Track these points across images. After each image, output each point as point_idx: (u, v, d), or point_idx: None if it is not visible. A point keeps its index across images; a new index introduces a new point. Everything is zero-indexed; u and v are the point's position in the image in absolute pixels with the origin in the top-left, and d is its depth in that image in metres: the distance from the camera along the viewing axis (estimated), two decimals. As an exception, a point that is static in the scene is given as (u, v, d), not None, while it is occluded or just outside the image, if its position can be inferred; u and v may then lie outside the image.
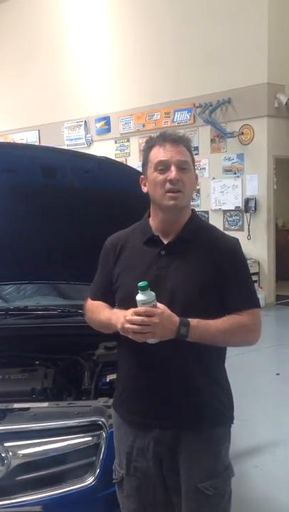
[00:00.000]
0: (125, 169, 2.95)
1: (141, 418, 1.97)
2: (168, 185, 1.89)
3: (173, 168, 1.89)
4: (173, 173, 1.89)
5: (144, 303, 1.78)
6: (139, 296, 1.79)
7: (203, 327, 1.85)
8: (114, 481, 2.07)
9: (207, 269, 1.92)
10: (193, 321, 1.84)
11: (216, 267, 1.93)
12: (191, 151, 1.99)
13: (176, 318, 1.82)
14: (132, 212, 2.13)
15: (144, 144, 2.03)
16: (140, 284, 1.78)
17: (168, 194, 1.90)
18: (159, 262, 1.95)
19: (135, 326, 1.78)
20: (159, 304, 1.80)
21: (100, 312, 2.04)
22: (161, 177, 1.91)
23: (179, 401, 1.93)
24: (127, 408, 2.02)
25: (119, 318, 1.85)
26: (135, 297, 1.82)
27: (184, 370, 1.92)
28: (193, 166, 1.99)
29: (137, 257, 2.00)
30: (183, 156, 1.92)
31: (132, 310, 1.80)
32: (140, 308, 1.78)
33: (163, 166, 1.90)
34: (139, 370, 1.96)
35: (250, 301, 1.99)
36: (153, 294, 1.79)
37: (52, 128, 12.43)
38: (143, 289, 1.78)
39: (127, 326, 1.79)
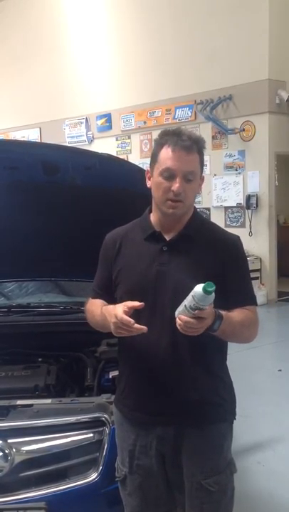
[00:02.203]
0: (127, 166, 2.94)
1: (143, 415, 1.98)
2: (170, 195, 1.88)
3: (178, 180, 1.87)
4: (177, 185, 1.87)
5: (202, 305, 1.67)
6: (201, 298, 1.66)
7: (229, 320, 1.84)
8: (116, 479, 2.08)
9: (209, 266, 1.92)
10: (224, 314, 1.81)
11: (218, 263, 1.94)
12: (203, 154, 1.95)
13: (213, 313, 1.77)
14: (133, 209, 2.12)
15: (157, 136, 1.98)
16: (209, 286, 1.64)
17: (168, 202, 1.89)
18: (161, 258, 1.94)
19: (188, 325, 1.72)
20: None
21: (95, 311, 2.03)
22: (165, 184, 1.89)
23: (181, 397, 1.93)
24: (128, 405, 2.03)
25: (111, 316, 1.82)
26: (137, 293, 1.81)
27: (186, 367, 1.92)
28: (202, 169, 1.97)
29: (138, 253, 1.99)
30: (191, 166, 1.89)
31: (120, 311, 1.76)
32: (202, 313, 1.69)
33: (169, 174, 1.88)
34: (141, 367, 1.96)
35: (251, 298, 2.02)
36: (212, 298, 1.67)
37: (53, 125, 12.43)
38: (209, 292, 1.65)
39: (179, 322, 1.72)
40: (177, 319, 1.74)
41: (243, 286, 2.01)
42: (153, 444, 1.96)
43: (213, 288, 1.64)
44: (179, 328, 1.74)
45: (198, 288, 1.66)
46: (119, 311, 1.78)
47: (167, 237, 1.97)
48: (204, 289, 1.64)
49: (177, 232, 1.97)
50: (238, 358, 5.29)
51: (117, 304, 1.97)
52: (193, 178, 1.91)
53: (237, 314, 1.92)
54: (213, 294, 1.66)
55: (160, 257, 1.95)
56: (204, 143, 1.99)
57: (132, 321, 1.76)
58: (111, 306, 1.88)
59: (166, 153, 1.89)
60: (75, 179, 2.74)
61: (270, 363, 6.38)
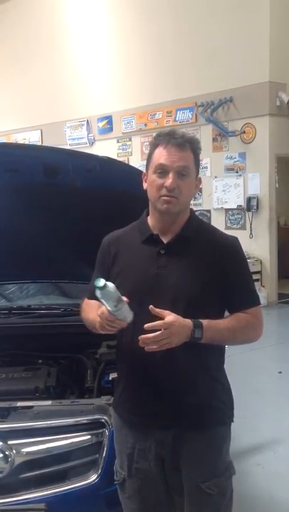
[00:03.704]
0: (127, 169, 2.96)
1: (141, 419, 1.98)
2: (164, 191, 1.89)
3: (171, 175, 1.87)
4: (170, 180, 1.87)
5: (108, 300, 1.73)
6: (101, 296, 1.73)
7: (214, 328, 1.86)
8: (115, 483, 2.08)
9: (207, 268, 1.92)
10: (205, 323, 1.84)
11: (216, 265, 1.93)
12: (197, 154, 1.96)
13: (189, 322, 1.82)
14: (133, 211, 2.13)
15: (152, 139, 2.00)
16: (98, 283, 1.70)
17: (162, 198, 1.90)
18: (159, 262, 1.94)
19: (149, 341, 1.77)
20: (168, 314, 1.78)
21: (89, 311, 2.04)
22: (159, 181, 1.90)
23: (180, 401, 1.93)
24: (127, 409, 2.03)
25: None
26: (135, 296, 1.82)
27: (184, 370, 1.92)
28: (197, 169, 1.97)
29: (136, 256, 1.99)
30: (185, 161, 1.89)
31: (146, 325, 1.77)
32: (149, 325, 1.75)
33: (162, 170, 1.89)
34: (139, 371, 1.96)
35: (252, 299, 2.01)
36: (113, 286, 1.72)
37: (54, 127, 12.44)
38: (101, 287, 1.70)
39: (141, 344, 1.77)
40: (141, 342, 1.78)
41: (243, 288, 2.00)
42: (152, 447, 1.96)
43: (102, 281, 1.69)
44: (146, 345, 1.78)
45: (97, 292, 1.72)
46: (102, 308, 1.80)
47: (164, 240, 1.97)
48: (96, 287, 1.70)
49: (174, 234, 1.97)
50: (238, 360, 5.33)
51: None
52: (187, 174, 1.90)
53: (228, 321, 1.93)
54: (111, 286, 1.71)
55: (158, 260, 1.95)
56: (199, 144, 1.99)
57: (151, 335, 1.77)
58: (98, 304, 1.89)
59: (159, 152, 1.91)
60: (75, 181, 2.74)
61: (270, 364, 6.38)
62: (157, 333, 1.76)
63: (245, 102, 9.03)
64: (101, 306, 2.02)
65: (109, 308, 1.76)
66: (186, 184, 1.91)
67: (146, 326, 1.77)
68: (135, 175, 2.50)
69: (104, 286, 1.70)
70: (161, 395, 1.93)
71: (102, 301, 1.75)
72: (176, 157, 1.88)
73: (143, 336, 1.77)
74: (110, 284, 1.72)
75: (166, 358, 1.86)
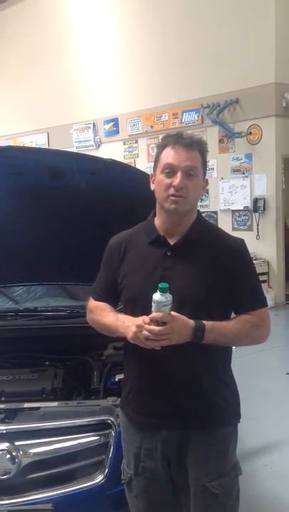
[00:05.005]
0: (131, 171, 2.97)
1: (147, 418, 1.99)
2: (171, 190, 1.90)
3: (179, 175, 1.89)
4: (178, 179, 1.89)
5: (164, 305, 1.77)
6: (158, 298, 1.77)
7: (218, 330, 1.87)
8: (122, 482, 2.09)
9: (214, 270, 1.93)
10: (208, 325, 1.85)
11: (223, 267, 1.94)
12: (205, 156, 1.98)
13: (191, 323, 1.83)
14: (138, 213, 2.14)
15: (160, 141, 2.02)
16: (161, 285, 1.76)
17: (170, 198, 1.91)
18: (165, 263, 1.95)
19: (151, 333, 1.79)
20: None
21: (104, 315, 2.05)
22: (166, 180, 1.91)
23: (186, 401, 1.94)
24: (133, 408, 2.04)
25: (129, 327, 1.86)
26: (141, 298, 1.83)
27: (190, 370, 1.93)
28: (204, 170, 1.99)
29: (143, 257, 2.00)
30: (192, 161, 1.91)
31: (147, 317, 1.80)
32: (156, 314, 1.78)
33: (170, 170, 1.91)
34: (146, 371, 1.97)
35: (258, 301, 2.01)
36: (171, 296, 1.78)
37: (61, 130, 12.48)
38: (163, 290, 1.76)
39: (144, 332, 1.79)
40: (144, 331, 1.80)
41: (250, 290, 2.01)
42: (158, 446, 1.97)
43: (167, 286, 1.76)
44: (143, 336, 1.80)
45: (156, 294, 1.78)
46: (139, 320, 1.82)
47: (171, 242, 1.98)
48: (160, 289, 1.76)
49: (181, 236, 1.98)
50: (246, 361, 5.33)
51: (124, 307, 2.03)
52: (194, 174, 1.92)
53: (233, 324, 1.93)
54: (170, 295, 1.77)
55: (164, 261, 1.96)
56: (206, 145, 2.01)
57: (156, 328, 1.79)
58: (128, 318, 1.92)
59: (167, 152, 1.93)
60: (80, 184, 2.76)
61: (278, 365, 6.37)
62: (160, 327, 1.77)
63: (251, 104, 9.02)
64: (113, 311, 2.04)
65: (160, 312, 1.79)
66: (193, 184, 1.92)
67: (150, 316, 1.78)
68: (139, 177, 2.52)
69: (168, 289, 1.77)
70: (167, 395, 1.94)
71: (159, 303, 1.78)
72: (183, 157, 1.90)
73: (147, 326, 1.79)
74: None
75: (173, 359, 1.87)
